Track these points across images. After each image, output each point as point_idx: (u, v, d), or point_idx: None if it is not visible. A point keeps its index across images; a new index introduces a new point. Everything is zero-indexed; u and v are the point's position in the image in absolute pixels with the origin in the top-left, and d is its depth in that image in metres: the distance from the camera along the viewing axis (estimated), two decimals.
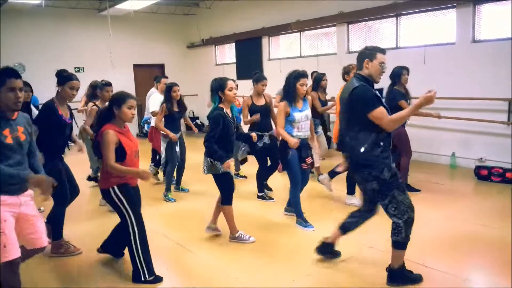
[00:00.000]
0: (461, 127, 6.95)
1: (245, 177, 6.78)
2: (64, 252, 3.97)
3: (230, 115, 4.03)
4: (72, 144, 4.38)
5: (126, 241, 3.39)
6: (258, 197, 5.59)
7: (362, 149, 3.04)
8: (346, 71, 5.30)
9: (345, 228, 3.48)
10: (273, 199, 5.53)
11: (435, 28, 7.37)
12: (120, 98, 3.29)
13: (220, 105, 3.96)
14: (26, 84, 4.44)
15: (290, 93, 4.32)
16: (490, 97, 6.47)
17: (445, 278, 3.28)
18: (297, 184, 4.45)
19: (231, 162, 3.94)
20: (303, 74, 4.32)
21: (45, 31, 11.25)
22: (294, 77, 4.29)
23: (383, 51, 3.13)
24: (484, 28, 6.68)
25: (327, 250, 3.60)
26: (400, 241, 3.06)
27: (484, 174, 6.13)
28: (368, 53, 3.11)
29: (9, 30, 10.36)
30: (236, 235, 4.16)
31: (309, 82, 5.04)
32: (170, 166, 5.77)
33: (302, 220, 4.47)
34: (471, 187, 5.97)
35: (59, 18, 11.34)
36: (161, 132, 5.71)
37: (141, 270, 3.33)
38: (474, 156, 6.78)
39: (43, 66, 10.36)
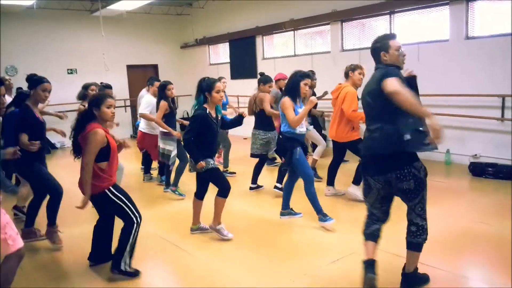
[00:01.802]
0: (455, 123, 6.96)
1: (234, 173, 6.83)
2: (32, 237, 4.26)
3: (214, 115, 4.07)
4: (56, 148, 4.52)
5: (123, 238, 3.34)
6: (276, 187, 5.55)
7: (407, 137, 2.63)
8: (351, 69, 5.05)
9: (374, 235, 3.02)
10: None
11: (428, 25, 7.38)
12: (98, 99, 3.32)
13: (205, 105, 4.01)
14: None
15: (293, 91, 4.33)
16: (483, 93, 6.48)
17: (443, 276, 3.26)
18: (312, 180, 4.40)
19: (203, 163, 3.95)
20: (308, 75, 4.38)
21: (38, 33, 11.16)
22: (300, 76, 4.33)
23: (393, 36, 2.95)
24: (477, 24, 6.70)
25: (373, 267, 2.91)
26: (421, 242, 2.86)
27: (479, 170, 6.15)
28: (381, 46, 2.91)
29: (1, 32, 10.26)
30: (217, 227, 4.18)
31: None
32: (184, 162, 5.74)
33: (322, 216, 4.36)
34: (466, 184, 5.98)
35: (52, 20, 11.26)
36: (164, 131, 5.66)
37: (123, 260, 3.34)
38: (469, 152, 6.80)
39: (36, 68, 10.14)
